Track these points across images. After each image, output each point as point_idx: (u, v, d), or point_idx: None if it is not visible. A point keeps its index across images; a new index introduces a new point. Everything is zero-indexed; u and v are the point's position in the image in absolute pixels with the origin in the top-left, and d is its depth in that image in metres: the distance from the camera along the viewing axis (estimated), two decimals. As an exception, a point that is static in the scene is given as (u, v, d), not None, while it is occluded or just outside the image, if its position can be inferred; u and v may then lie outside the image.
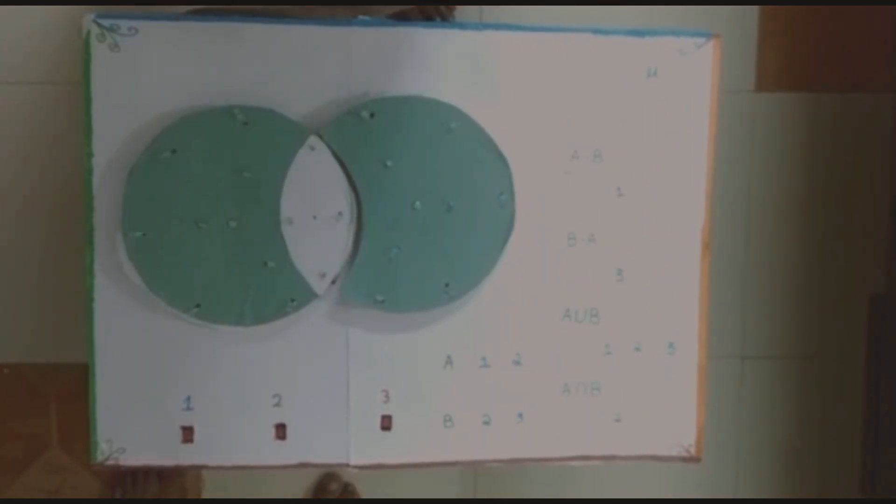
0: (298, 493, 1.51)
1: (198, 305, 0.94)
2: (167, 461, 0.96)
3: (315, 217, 0.95)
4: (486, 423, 1.01)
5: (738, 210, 1.57)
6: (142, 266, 0.93)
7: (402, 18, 1.11)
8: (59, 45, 1.40)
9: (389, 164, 0.95)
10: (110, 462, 0.96)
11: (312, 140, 0.94)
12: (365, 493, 1.50)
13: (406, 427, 0.99)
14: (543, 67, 0.98)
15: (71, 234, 1.12)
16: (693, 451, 1.04)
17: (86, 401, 0.95)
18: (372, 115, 0.94)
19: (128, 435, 0.96)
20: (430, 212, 0.96)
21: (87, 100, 0.92)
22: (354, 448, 0.99)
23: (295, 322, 0.96)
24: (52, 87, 1.40)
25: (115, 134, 0.93)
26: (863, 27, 1.56)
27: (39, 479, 1.49)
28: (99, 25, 0.91)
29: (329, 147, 0.94)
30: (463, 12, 1.30)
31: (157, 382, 0.96)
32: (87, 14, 0.91)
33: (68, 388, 1.45)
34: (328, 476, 1.50)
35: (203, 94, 0.93)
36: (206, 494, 1.49)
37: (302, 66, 0.94)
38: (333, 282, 0.96)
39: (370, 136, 0.95)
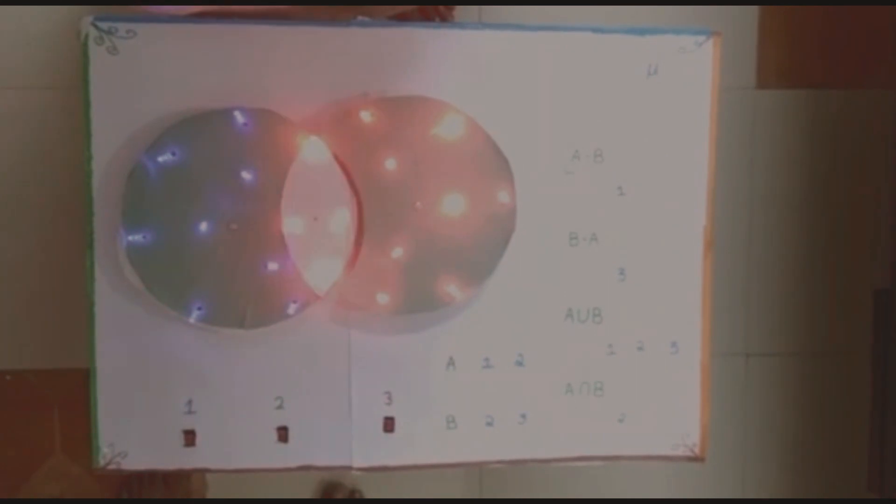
0: (302, 495, 1.51)
1: (199, 308, 0.94)
2: (169, 465, 0.96)
3: (315, 218, 0.94)
4: (489, 424, 1.00)
5: (740, 207, 1.57)
6: (142, 269, 0.93)
7: (401, 20, 1.10)
8: (59, 49, 1.39)
9: (390, 164, 0.95)
10: (112, 467, 0.95)
11: (312, 141, 0.94)
12: (369, 497, 1.50)
13: (409, 429, 0.99)
14: (543, 67, 0.97)
15: (71, 238, 1.12)
16: (697, 450, 1.03)
17: (87, 405, 0.95)
18: (372, 116, 0.94)
19: (130, 439, 0.95)
20: (431, 212, 0.96)
21: (87, 103, 0.92)
22: (357, 450, 0.98)
23: (296, 324, 0.96)
24: (52, 91, 1.40)
25: (114, 137, 0.93)
26: (863, 23, 1.56)
27: (44, 485, 1.49)
28: (97, 28, 0.91)
29: (329, 148, 0.94)
30: (462, 13, 1.31)
31: (159, 386, 0.95)
32: (86, 17, 0.91)
33: (71, 393, 1.45)
34: (332, 485, 1.49)
35: (202, 96, 0.93)
36: (210, 497, 1.49)
37: (301, 68, 0.94)
38: (335, 284, 0.96)
39: (370, 137, 0.94)
